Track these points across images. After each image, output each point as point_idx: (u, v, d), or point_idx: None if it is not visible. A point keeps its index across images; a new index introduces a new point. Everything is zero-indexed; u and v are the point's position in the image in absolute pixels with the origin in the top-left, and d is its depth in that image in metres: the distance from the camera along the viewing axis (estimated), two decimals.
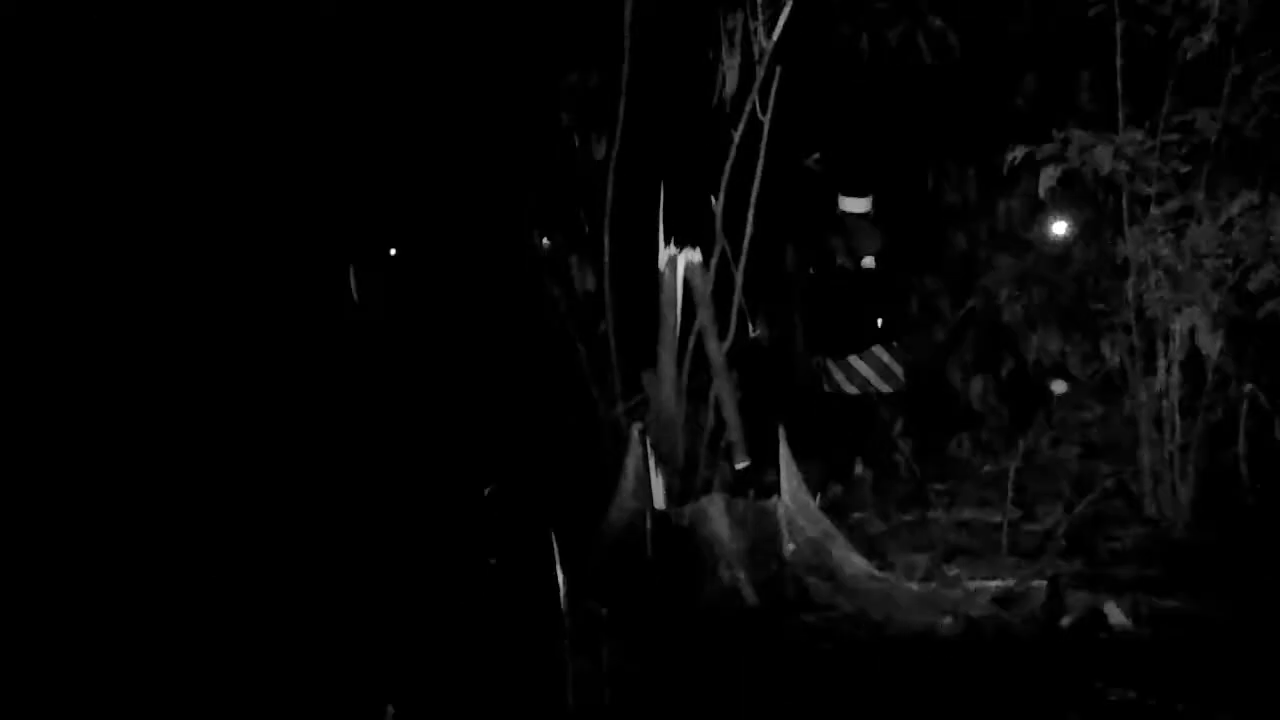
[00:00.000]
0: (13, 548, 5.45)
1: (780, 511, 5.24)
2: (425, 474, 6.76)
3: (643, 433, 5.61)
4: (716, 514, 5.19)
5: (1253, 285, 5.21)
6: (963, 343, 7.73)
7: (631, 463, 5.54)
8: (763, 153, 5.79)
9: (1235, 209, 5.23)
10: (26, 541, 5.58)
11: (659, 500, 5.57)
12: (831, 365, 6.90)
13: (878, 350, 6.83)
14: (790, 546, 5.24)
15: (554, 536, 4.33)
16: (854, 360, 6.83)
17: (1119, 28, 5.54)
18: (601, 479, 5.79)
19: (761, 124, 5.79)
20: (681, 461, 5.89)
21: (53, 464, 6.46)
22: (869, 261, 6.80)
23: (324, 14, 7.81)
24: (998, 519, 5.93)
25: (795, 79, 5.84)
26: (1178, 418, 5.69)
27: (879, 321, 6.83)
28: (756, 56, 5.79)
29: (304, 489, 6.40)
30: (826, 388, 6.93)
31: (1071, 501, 6.09)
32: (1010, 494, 5.73)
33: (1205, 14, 5.20)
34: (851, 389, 6.85)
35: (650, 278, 5.91)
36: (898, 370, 6.86)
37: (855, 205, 6.81)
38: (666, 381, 5.87)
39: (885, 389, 6.85)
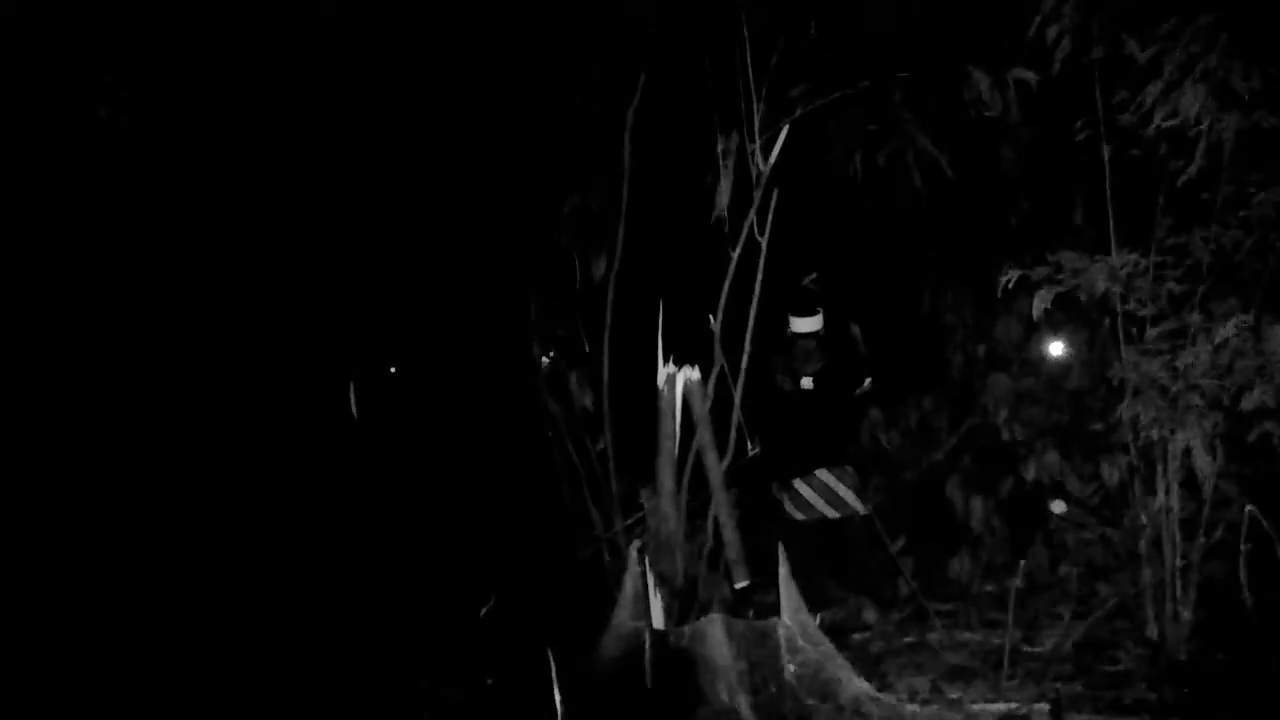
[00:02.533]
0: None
1: (780, 632, 5.19)
2: (422, 591, 6.72)
3: (641, 551, 5.59)
4: (716, 634, 5.15)
5: (1246, 406, 5.23)
6: (961, 462, 7.73)
7: (630, 581, 5.51)
8: (760, 272, 5.86)
9: (1229, 330, 5.28)
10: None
11: (658, 620, 5.53)
12: (781, 491, 6.87)
13: (822, 474, 6.74)
14: (791, 668, 5.19)
15: (551, 656, 4.31)
16: (799, 485, 6.76)
17: (1107, 151, 5.64)
18: (600, 597, 5.76)
19: (760, 243, 5.87)
20: (680, 580, 5.86)
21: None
22: (807, 383, 6.77)
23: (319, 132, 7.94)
24: (999, 640, 5.88)
25: (792, 199, 5.93)
26: (1178, 538, 5.67)
27: (819, 442, 6.76)
28: (753, 178, 5.89)
29: (303, 603, 6.37)
30: (785, 513, 6.85)
31: (1073, 623, 6.07)
32: (1011, 615, 5.69)
33: (1194, 138, 5.31)
34: (799, 516, 6.77)
35: (649, 395, 5.94)
36: (847, 494, 6.73)
37: (804, 325, 6.72)
38: (665, 499, 5.86)
39: (833, 515, 6.73)
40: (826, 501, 6.72)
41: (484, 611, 6.49)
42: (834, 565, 6.89)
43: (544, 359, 7.27)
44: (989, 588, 6.97)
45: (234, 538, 7.40)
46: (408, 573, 7.00)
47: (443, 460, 8.59)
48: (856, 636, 6.43)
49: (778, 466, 6.80)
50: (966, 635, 6.31)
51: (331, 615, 6.31)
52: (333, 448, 8.66)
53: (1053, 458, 6.88)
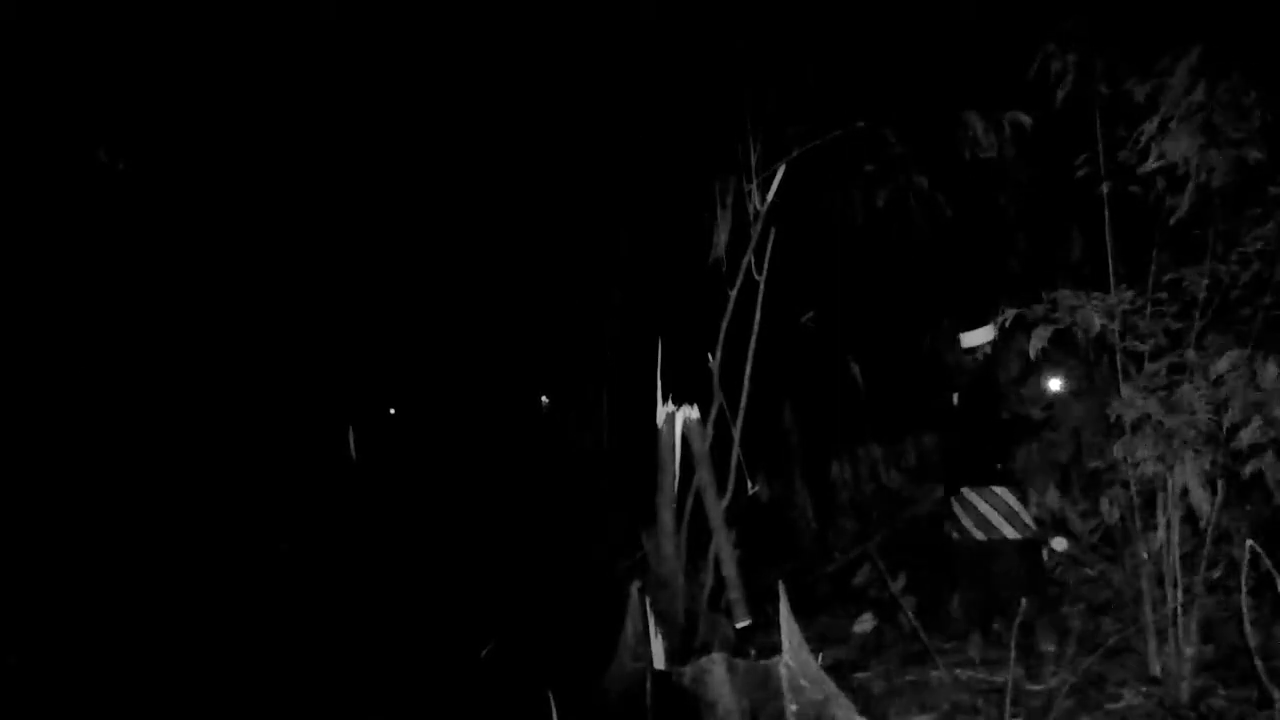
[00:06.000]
0: None
1: (782, 672, 5.18)
2: (423, 633, 6.71)
3: (642, 591, 5.59)
4: (717, 674, 5.14)
5: (1242, 441, 5.25)
6: None
7: (631, 622, 5.51)
8: (759, 311, 5.88)
9: (1224, 366, 5.30)
10: None
11: (659, 660, 5.52)
12: (959, 507, 6.64)
13: (1001, 492, 6.47)
14: (793, 708, 5.18)
15: (553, 697, 4.30)
16: (975, 500, 6.53)
17: (1105, 188, 5.69)
18: (601, 637, 5.76)
19: (758, 283, 5.90)
20: (682, 620, 5.85)
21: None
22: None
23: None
24: (1001, 678, 5.86)
25: (792, 239, 5.98)
26: (1179, 574, 5.67)
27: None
28: (751, 218, 5.93)
29: (304, 644, 6.36)
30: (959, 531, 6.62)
31: (1075, 660, 6.05)
32: (1013, 653, 5.67)
33: (1185, 175, 5.35)
34: (980, 536, 6.49)
35: (649, 436, 5.95)
36: (1024, 513, 6.46)
37: (974, 338, 6.61)
38: (666, 539, 5.86)
39: (1013, 535, 6.42)
40: (1005, 519, 6.44)
41: (485, 652, 6.48)
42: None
43: (544, 400, 7.29)
44: (991, 625, 6.95)
45: (232, 580, 7.41)
46: (408, 613, 6.99)
47: (442, 501, 8.59)
48: (858, 675, 6.41)
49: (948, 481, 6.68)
50: (969, 673, 6.30)
51: (332, 653, 6.29)
52: (331, 490, 8.67)
53: (1053, 494, 6.88)
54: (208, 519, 7.93)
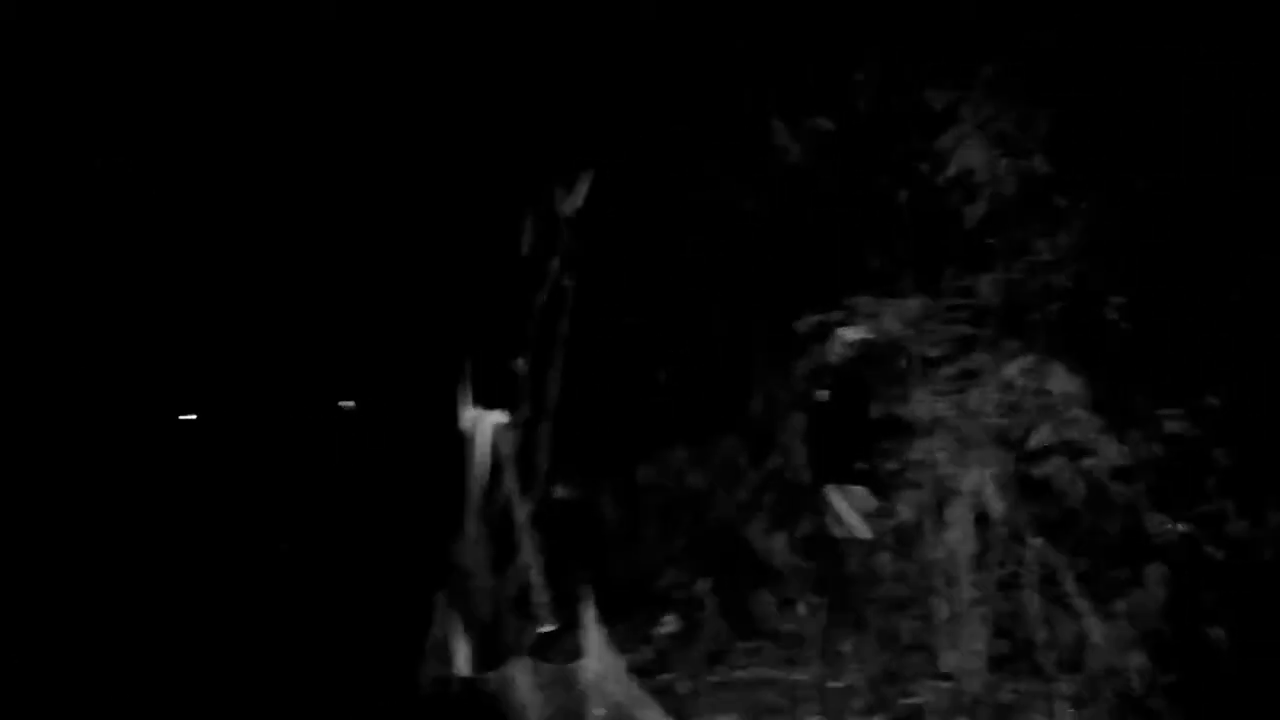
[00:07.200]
0: None
1: (587, 675, 5.16)
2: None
3: (447, 597, 5.50)
4: (522, 680, 5.10)
5: (1032, 444, 5.44)
6: (763, 500, 7.82)
7: (437, 628, 5.42)
8: (568, 316, 5.85)
9: (1013, 370, 5.48)
10: None
11: (464, 666, 5.44)
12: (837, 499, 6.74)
13: (860, 491, 6.63)
14: (598, 711, 5.16)
15: (356, 705, 4.20)
16: (842, 499, 6.66)
17: (904, 196, 5.83)
18: (406, 645, 5.64)
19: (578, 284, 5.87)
20: (487, 626, 5.78)
21: None
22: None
23: None
24: (802, 676, 5.95)
25: (605, 245, 5.96)
26: (971, 573, 5.83)
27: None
28: (561, 224, 5.90)
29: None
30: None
31: (873, 656, 6.16)
32: (813, 650, 5.76)
33: (979, 185, 5.52)
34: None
35: (457, 441, 5.87)
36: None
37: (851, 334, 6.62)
38: (471, 544, 5.79)
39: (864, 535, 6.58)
40: (856, 518, 6.55)
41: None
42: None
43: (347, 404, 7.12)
44: (791, 625, 7.05)
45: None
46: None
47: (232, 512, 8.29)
48: (663, 677, 6.42)
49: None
50: (771, 672, 6.36)
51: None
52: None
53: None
54: None
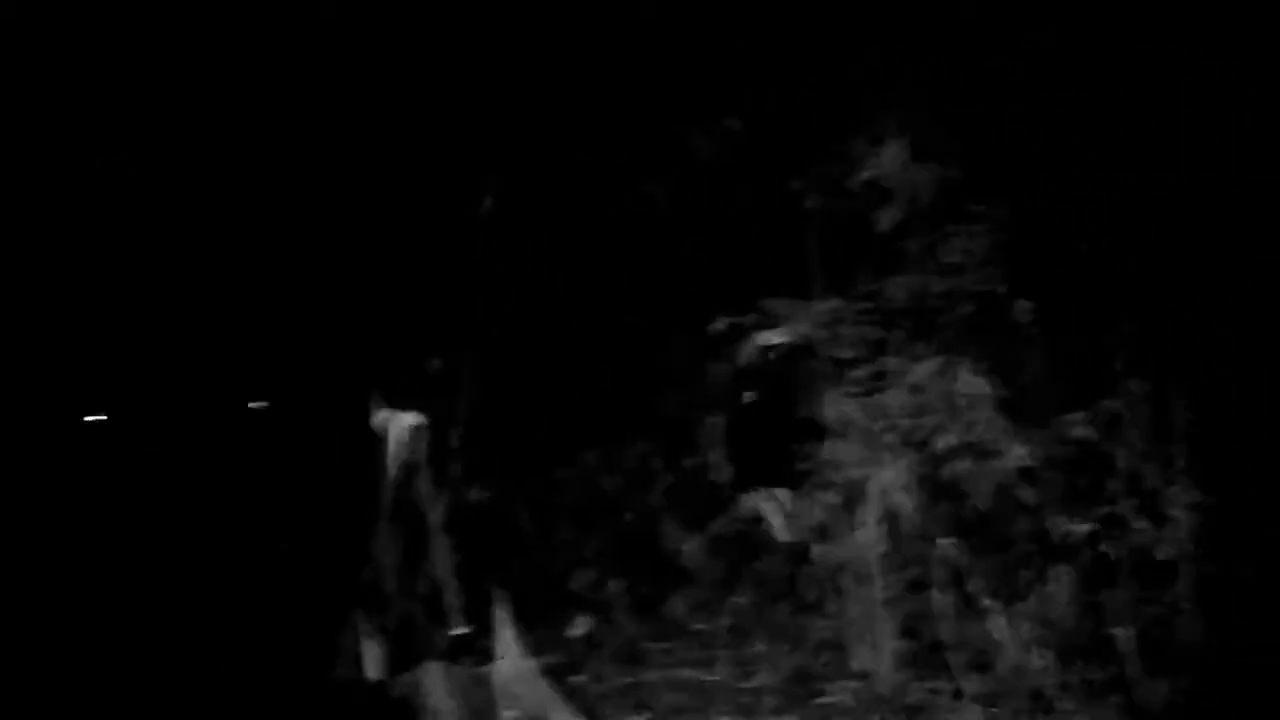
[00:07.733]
0: None
1: (498, 678, 5.15)
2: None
3: (358, 600, 5.46)
4: (433, 683, 5.06)
5: (940, 445, 5.51)
6: (676, 502, 7.84)
7: (348, 632, 5.37)
8: (482, 316, 5.83)
9: (922, 373, 5.55)
10: None
11: (375, 669, 5.40)
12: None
13: (782, 495, 6.60)
14: (510, 713, 5.14)
15: (266, 708, 4.15)
16: (773, 503, 6.63)
17: (815, 201, 5.88)
18: (317, 649, 5.59)
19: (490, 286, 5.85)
20: (399, 628, 5.74)
21: None
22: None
23: None
24: (715, 676, 5.97)
25: (523, 245, 5.95)
26: (879, 573, 5.89)
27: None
28: (474, 225, 5.88)
29: None
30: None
31: (785, 656, 6.20)
32: (725, 651, 5.79)
33: (890, 191, 5.59)
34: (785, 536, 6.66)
35: (370, 442, 5.83)
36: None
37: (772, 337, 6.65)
38: (382, 546, 5.74)
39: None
40: (780, 521, 6.53)
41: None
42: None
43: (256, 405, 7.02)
44: (701, 625, 7.07)
45: None
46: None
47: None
48: (575, 679, 6.41)
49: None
50: (683, 673, 6.38)
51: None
52: None
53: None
54: None
